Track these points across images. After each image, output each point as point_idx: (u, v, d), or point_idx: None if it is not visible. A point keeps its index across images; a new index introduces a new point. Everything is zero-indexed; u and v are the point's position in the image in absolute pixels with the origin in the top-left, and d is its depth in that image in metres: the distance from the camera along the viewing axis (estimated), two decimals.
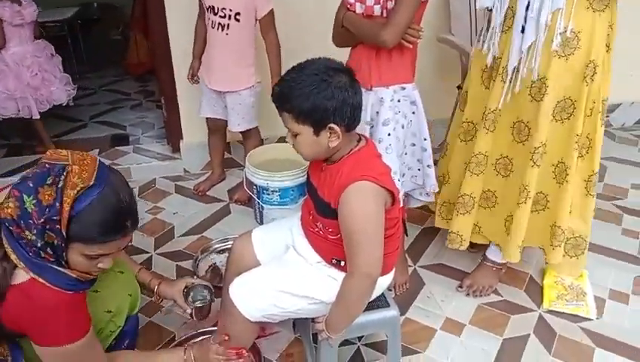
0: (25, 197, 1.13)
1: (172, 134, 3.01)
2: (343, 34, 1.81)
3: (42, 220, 1.12)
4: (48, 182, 1.13)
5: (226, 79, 2.44)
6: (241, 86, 2.45)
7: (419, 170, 1.90)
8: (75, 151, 1.22)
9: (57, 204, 1.12)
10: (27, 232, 1.14)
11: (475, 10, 2.73)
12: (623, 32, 3.16)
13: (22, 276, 1.16)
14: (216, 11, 2.30)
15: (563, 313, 1.96)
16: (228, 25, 2.31)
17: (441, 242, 2.37)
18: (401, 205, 1.77)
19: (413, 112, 1.82)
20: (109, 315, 1.45)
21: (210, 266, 2.18)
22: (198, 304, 1.66)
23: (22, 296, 1.16)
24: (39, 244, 1.14)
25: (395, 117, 1.78)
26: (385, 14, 1.68)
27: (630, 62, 3.14)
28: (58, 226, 1.13)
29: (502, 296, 2.05)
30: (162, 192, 2.79)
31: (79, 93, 4.28)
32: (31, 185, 1.13)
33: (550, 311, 1.98)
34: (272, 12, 2.35)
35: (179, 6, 2.65)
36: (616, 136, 3.42)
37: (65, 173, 1.15)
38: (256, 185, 2.38)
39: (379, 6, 1.68)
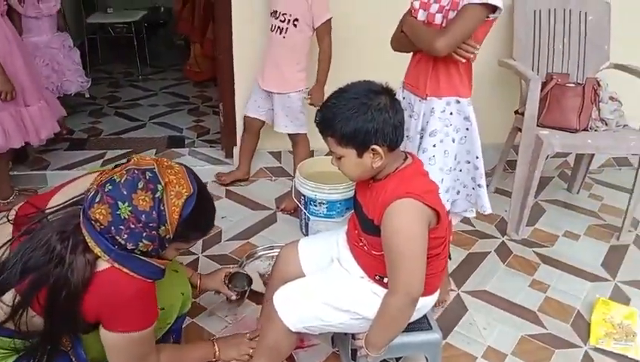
0: (119, 203, 1.19)
1: (227, 140, 3.09)
2: (401, 38, 1.83)
3: (141, 225, 1.19)
4: (140, 186, 1.21)
5: (276, 81, 2.54)
6: (290, 88, 2.53)
7: (473, 188, 1.88)
8: (154, 158, 1.33)
9: (160, 213, 1.21)
10: (117, 237, 1.20)
11: (540, 37, 2.70)
12: None
13: (104, 264, 1.23)
14: (277, 15, 2.43)
15: (610, 352, 1.89)
16: (286, 29, 2.42)
17: (486, 268, 2.33)
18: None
19: (467, 128, 1.80)
20: (161, 312, 1.48)
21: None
22: (242, 288, 1.91)
23: (105, 282, 1.23)
24: (129, 247, 1.21)
25: (445, 129, 1.78)
26: (445, 24, 1.68)
27: None
28: (163, 234, 1.23)
29: (547, 329, 1.99)
30: (213, 196, 2.83)
31: (140, 94, 4.50)
32: (124, 192, 1.20)
33: (596, 349, 1.91)
34: (328, 22, 2.42)
35: (243, 19, 2.74)
36: None
37: (161, 183, 1.23)
38: (304, 196, 2.41)
39: (441, 15, 1.69)
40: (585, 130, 2.46)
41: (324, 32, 2.43)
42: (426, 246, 1.35)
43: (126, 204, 1.19)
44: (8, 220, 1.33)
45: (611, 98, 2.48)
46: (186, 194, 1.26)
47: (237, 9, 2.74)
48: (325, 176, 2.42)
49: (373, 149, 1.33)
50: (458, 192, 1.87)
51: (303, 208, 2.44)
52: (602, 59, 2.73)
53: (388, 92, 1.36)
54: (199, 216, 1.31)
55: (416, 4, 1.77)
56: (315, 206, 2.38)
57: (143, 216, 1.19)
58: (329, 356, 1.84)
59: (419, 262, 1.33)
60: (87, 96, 3.82)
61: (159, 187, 1.22)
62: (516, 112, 2.65)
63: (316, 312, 1.48)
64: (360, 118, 1.31)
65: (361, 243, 1.50)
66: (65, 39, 3.52)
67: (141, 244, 1.22)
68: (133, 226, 1.19)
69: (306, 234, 2.45)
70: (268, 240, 2.46)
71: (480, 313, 2.07)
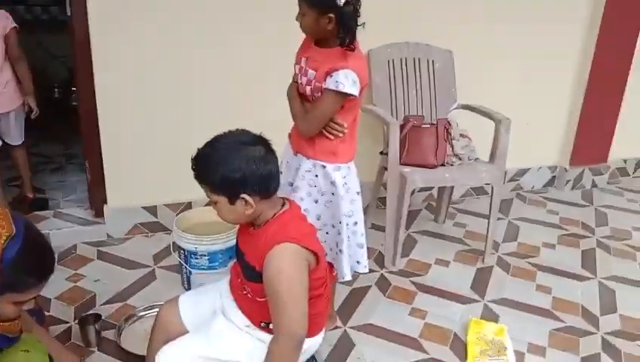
0: None
1: (95, 198, 2.92)
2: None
3: None
4: None
5: None
6: None
7: (336, 253, 1.92)
8: None
9: None
10: None
11: (395, 83, 2.93)
12: (528, 102, 3.50)
13: None
14: None
15: None
16: None
17: (369, 301, 2.42)
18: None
19: (333, 193, 1.85)
20: None
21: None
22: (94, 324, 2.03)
23: None
24: None
25: (308, 189, 1.84)
26: (312, 99, 1.76)
27: (532, 129, 3.47)
28: None
29: (429, 354, 2.10)
30: (83, 259, 2.67)
31: None
32: None
33: None
34: None
35: (103, 67, 2.63)
36: (527, 199, 3.69)
37: None
38: (184, 250, 2.34)
39: (310, 87, 1.76)
40: (442, 165, 2.68)
41: None
42: (306, 288, 1.37)
43: None
44: None
45: (462, 135, 2.74)
46: (6, 234, 1.16)
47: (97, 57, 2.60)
48: (204, 227, 2.38)
49: (243, 198, 1.35)
50: (325, 254, 1.92)
51: (183, 262, 2.37)
52: (451, 101, 3.03)
53: (262, 142, 1.40)
54: (29, 259, 1.20)
55: (296, 68, 1.83)
56: (197, 258, 2.32)
57: None
58: None
59: (300, 304, 1.35)
60: None
61: None
62: (381, 153, 2.83)
63: None
64: (226, 168, 1.33)
65: (244, 292, 1.49)
66: None
67: None
68: None
69: (189, 289, 2.37)
70: (148, 299, 2.34)
71: (367, 347, 2.13)
